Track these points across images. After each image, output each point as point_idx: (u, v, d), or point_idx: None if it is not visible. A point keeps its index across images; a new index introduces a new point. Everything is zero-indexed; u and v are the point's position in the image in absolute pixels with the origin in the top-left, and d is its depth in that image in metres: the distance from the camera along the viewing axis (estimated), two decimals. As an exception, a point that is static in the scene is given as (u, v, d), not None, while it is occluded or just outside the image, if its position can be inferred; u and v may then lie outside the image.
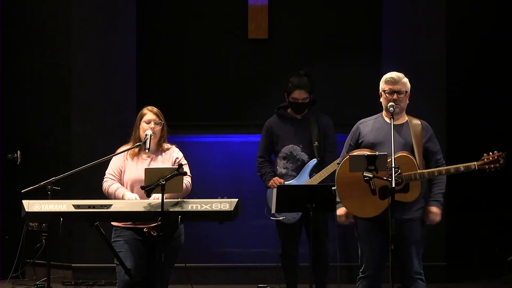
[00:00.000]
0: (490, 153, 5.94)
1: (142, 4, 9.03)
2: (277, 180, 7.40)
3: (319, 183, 7.20)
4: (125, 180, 6.23)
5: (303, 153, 7.43)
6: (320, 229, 7.30)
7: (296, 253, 7.47)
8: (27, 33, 9.23)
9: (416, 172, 5.88)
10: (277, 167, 7.50)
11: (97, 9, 8.92)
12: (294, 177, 7.42)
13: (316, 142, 7.38)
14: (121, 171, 6.24)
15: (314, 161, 7.39)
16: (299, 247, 7.48)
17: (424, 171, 5.91)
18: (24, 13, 9.25)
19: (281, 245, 7.51)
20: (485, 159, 5.94)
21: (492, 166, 5.92)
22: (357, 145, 6.12)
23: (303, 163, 7.42)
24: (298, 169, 7.42)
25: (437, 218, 6.06)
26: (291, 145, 7.46)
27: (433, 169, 5.94)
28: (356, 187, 5.89)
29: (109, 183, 6.23)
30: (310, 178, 7.34)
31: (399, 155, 5.86)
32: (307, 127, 7.47)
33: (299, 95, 7.45)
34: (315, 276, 7.35)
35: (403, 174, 5.83)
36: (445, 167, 5.96)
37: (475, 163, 5.93)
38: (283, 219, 7.32)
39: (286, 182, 7.37)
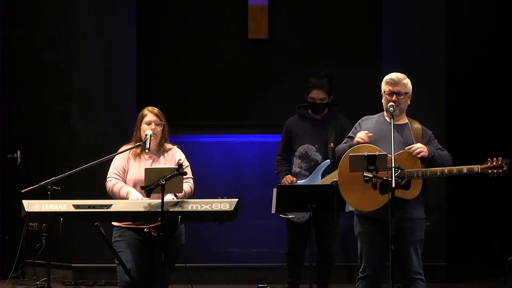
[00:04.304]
0: (495, 158, 5.93)
1: (142, 4, 9.04)
2: (288, 178, 7.42)
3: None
4: (127, 180, 6.23)
5: (317, 153, 7.44)
6: (328, 230, 7.29)
7: (302, 254, 7.44)
8: (27, 33, 9.23)
9: (419, 169, 5.88)
10: (293, 166, 7.53)
11: (97, 9, 8.92)
12: (307, 176, 7.42)
13: (331, 144, 7.37)
14: (125, 170, 6.24)
15: (327, 162, 7.39)
16: (306, 248, 7.45)
17: (426, 169, 5.90)
18: (24, 13, 9.25)
19: (287, 243, 7.51)
20: (489, 164, 5.93)
21: (495, 171, 5.91)
22: None
23: (317, 164, 7.42)
24: (311, 169, 7.42)
25: (423, 152, 5.91)
26: (307, 145, 7.48)
27: (436, 169, 5.93)
28: (358, 180, 5.86)
29: (113, 182, 6.22)
30: (322, 178, 7.33)
31: (402, 151, 5.87)
32: (325, 128, 7.48)
33: (316, 95, 7.47)
34: (317, 276, 7.37)
35: (406, 170, 5.84)
36: (448, 167, 5.95)
37: (479, 166, 5.92)
38: (293, 217, 7.31)
39: (298, 182, 7.39)
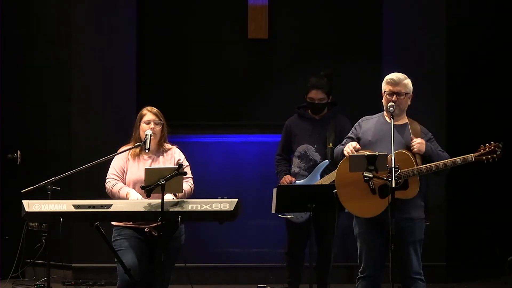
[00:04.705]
0: (487, 144, 5.94)
1: (142, 4, 9.04)
2: (287, 178, 7.42)
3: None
4: (126, 180, 6.23)
5: (316, 153, 7.44)
6: (327, 230, 7.28)
7: (301, 254, 7.44)
8: (27, 33, 9.23)
9: (413, 168, 5.88)
10: (292, 166, 7.53)
11: (97, 9, 8.92)
12: (305, 176, 7.42)
13: (330, 144, 7.37)
14: (124, 170, 6.24)
15: (325, 162, 7.38)
16: (306, 248, 7.44)
17: (421, 166, 5.90)
18: (24, 13, 9.25)
19: (287, 243, 7.51)
20: (482, 150, 5.93)
21: (490, 156, 5.91)
22: (356, 139, 6.12)
23: (315, 164, 7.42)
24: (310, 169, 7.42)
25: (422, 147, 5.96)
26: (306, 145, 7.47)
27: (431, 164, 5.93)
28: (355, 187, 5.89)
29: (112, 182, 6.22)
30: (320, 179, 7.33)
31: (397, 151, 5.86)
32: (324, 128, 7.47)
33: (315, 95, 7.47)
34: (317, 276, 7.36)
35: (401, 171, 5.84)
36: (442, 161, 5.94)
37: (472, 154, 5.92)
38: (291, 217, 7.31)
39: (297, 182, 7.39)
